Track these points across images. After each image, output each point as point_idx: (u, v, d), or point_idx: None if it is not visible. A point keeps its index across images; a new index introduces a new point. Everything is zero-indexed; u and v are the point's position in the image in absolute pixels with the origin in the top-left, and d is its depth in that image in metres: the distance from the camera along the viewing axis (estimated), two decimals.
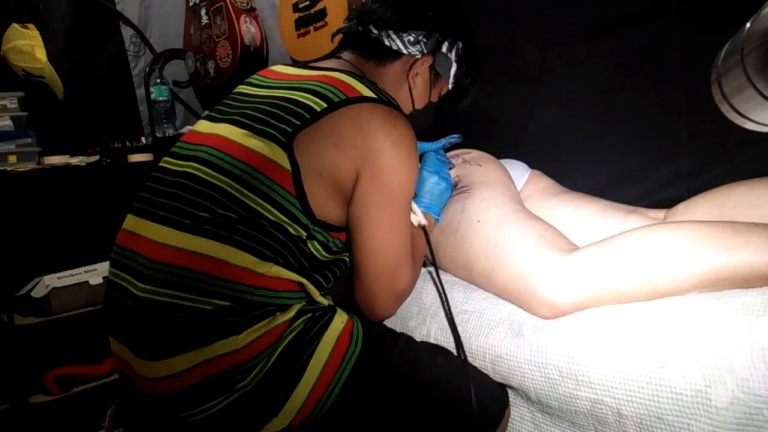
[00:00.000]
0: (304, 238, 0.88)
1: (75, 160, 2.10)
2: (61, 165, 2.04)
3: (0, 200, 1.88)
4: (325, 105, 0.90)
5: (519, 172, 1.37)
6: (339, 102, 0.90)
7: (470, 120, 1.65)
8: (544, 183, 1.36)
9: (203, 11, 2.26)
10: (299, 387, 0.82)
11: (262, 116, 0.92)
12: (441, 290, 1.07)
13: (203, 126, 1.00)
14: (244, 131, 0.91)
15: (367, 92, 0.93)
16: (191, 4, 2.32)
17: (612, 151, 1.39)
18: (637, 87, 1.34)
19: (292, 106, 0.91)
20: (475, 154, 1.30)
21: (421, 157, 1.16)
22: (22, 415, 1.82)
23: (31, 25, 2.09)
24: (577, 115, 1.44)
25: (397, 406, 0.88)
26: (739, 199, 1.03)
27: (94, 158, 2.15)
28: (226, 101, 1.03)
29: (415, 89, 1.11)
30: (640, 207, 1.23)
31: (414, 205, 1.08)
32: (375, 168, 0.90)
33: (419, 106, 1.13)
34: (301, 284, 0.88)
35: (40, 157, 2.06)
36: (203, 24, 2.27)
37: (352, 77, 0.96)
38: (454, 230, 1.12)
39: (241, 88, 1.05)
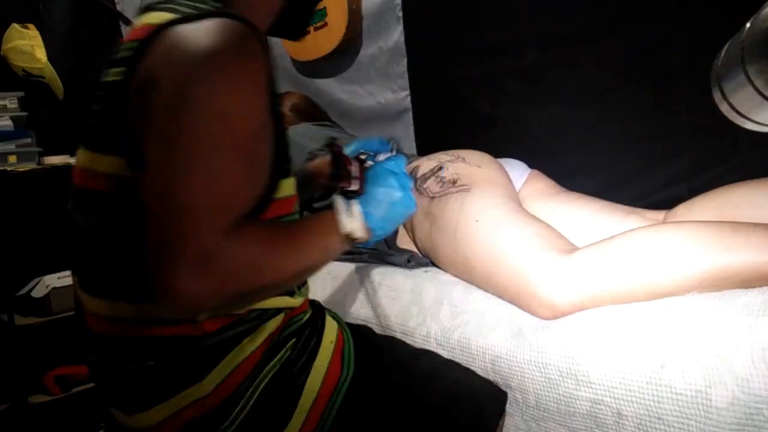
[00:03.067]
0: None
1: (75, 160, 2.10)
2: (61, 165, 2.04)
3: (0, 200, 1.89)
4: (121, 77, 0.70)
5: (518, 171, 1.37)
6: (132, 55, 0.69)
7: (470, 120, 1.66)
8: (543, 183, 1.36)
9: None
10: (292, 422, 0.77)
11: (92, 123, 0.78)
12: None
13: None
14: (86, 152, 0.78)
15: (162, 16, 0.71)
16: None
17: (612, 151, 1.39)
18: (637, 87, 1.33)
19: (101, 93, 0.75)
20: (474, 154, 1.30)
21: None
22: (22, 415, 1.82)
23: (31, 25, 2.09)
24: (576, 115, 1.44)
25: (392, 416, 0.86)
26: (739, 200, 1.03)
27: None
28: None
29: None
30: (639, 208, 1.22)
31: (356, 209, 0.80)
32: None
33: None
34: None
35: (40, 157, 2.06)
36: None
37: (163, 7, 0.74)
38: (453, 229, 1.12)
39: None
